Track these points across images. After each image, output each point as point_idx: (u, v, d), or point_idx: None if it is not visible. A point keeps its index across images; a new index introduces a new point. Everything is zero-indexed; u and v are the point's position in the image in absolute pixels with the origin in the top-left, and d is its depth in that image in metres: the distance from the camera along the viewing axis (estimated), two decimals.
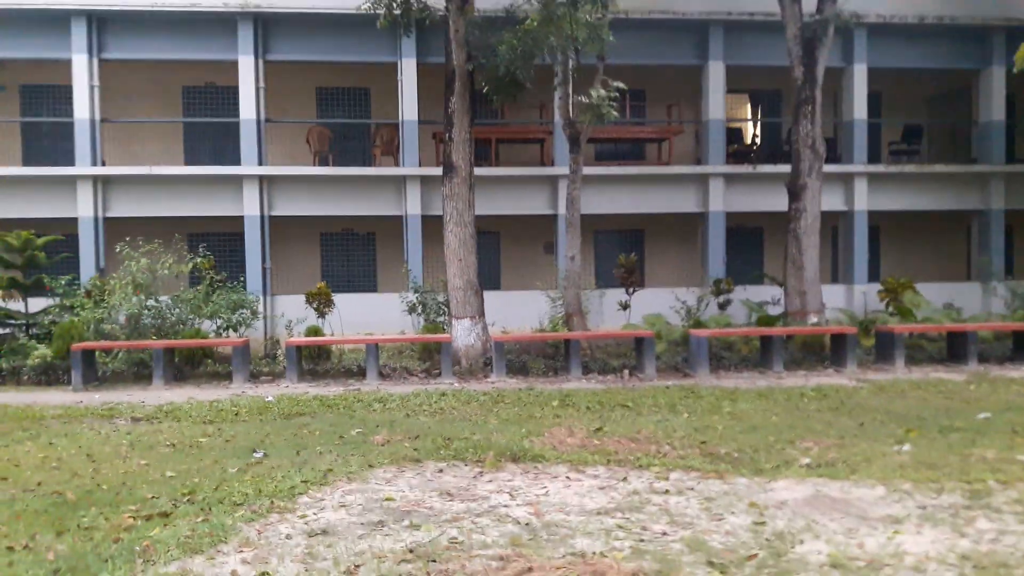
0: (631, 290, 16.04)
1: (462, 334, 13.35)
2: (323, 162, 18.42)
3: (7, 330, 14.37)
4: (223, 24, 16.95)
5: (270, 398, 11.06)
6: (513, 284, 19.17)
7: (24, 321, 14.33)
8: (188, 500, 6.38)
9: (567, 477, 6.80)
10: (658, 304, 16.50)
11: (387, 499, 6.21)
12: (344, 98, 19.22)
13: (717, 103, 18.28)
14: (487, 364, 13.03)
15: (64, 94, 17.59)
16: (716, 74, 18.16)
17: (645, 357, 12.69)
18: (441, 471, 7.14)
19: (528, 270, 19.17)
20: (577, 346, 12.87)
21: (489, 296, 14.40)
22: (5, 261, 14.34)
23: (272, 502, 6.22)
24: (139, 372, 13.13)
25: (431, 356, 13.57)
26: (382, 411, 10.06)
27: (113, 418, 10.00)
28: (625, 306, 15.83)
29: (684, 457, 7.41)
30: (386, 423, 9.22)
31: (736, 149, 20.23)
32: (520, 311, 16.34)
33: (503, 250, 19.69)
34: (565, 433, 8.44)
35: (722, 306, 17.09)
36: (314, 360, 13.63)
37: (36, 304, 14.69)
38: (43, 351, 13.07)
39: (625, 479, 6.68)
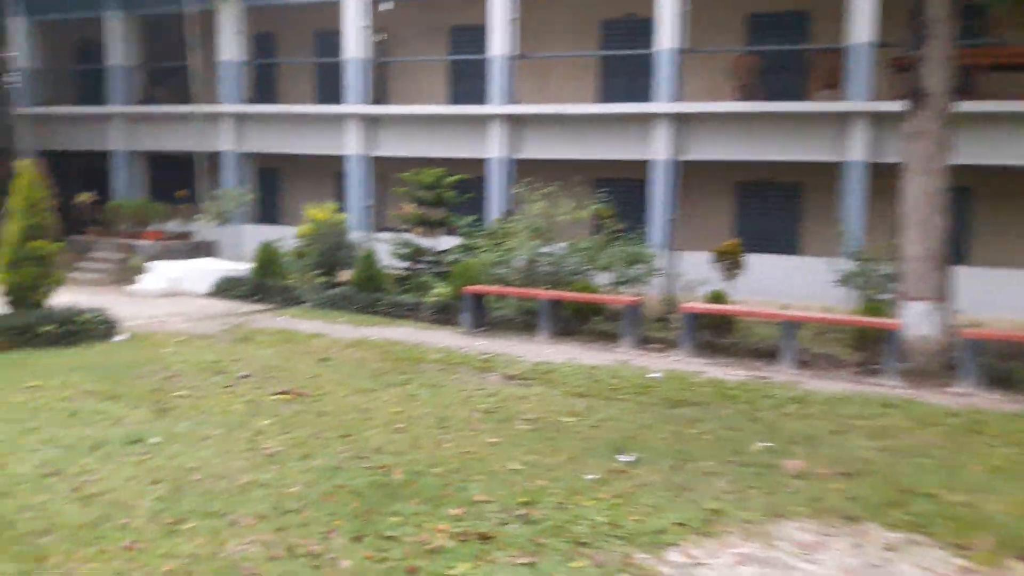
0: None
1: (916, 320, 9.91)
2: (748, 97, 15.76)
3: (418, 265, 14.63)
4: None
5: (656, 374, 9.12)
6: (990, 259, 14.59)
7: (432, 258, 14.44)
8: (522, 517, 4.68)
9: None
10: None
11: None
12: (778, 23, 16.23)
13: None
14: (950, 366, 9.49)
15: (481, 37, 17.55)
16: None
17: None
18: (893, 550, 4.45)
19: (1014, 242, 14.42)
20: None
21: (956, 273, 10.63)
22: (418, 198, 14.53)
23: (627, 554, 4.21)
24: (526, 321, 12.23)
25: (867, 345, 10.40)
26: (798, 417, 7.45)
27: (487, 372, 8.97)
28: None
29: None
30: (804, 439, 6.64)
31: None
32: (1000, 296, 12.10)
33: (976, 213, 15.10)
34: None
35: None
36: (714, 331, 11.39)
37: (444, 243, 14.73)
38: (441, 289, 12.86)
39: None
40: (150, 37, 21.29)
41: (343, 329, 11.47)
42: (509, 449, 6.01)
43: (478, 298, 12.01)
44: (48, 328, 8.57)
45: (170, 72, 20.98)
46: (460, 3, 18.27)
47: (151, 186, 20.69)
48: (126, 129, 20.28)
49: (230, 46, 18.82)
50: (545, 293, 11.76)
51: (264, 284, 13.74)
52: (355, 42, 17.57)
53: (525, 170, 15.61)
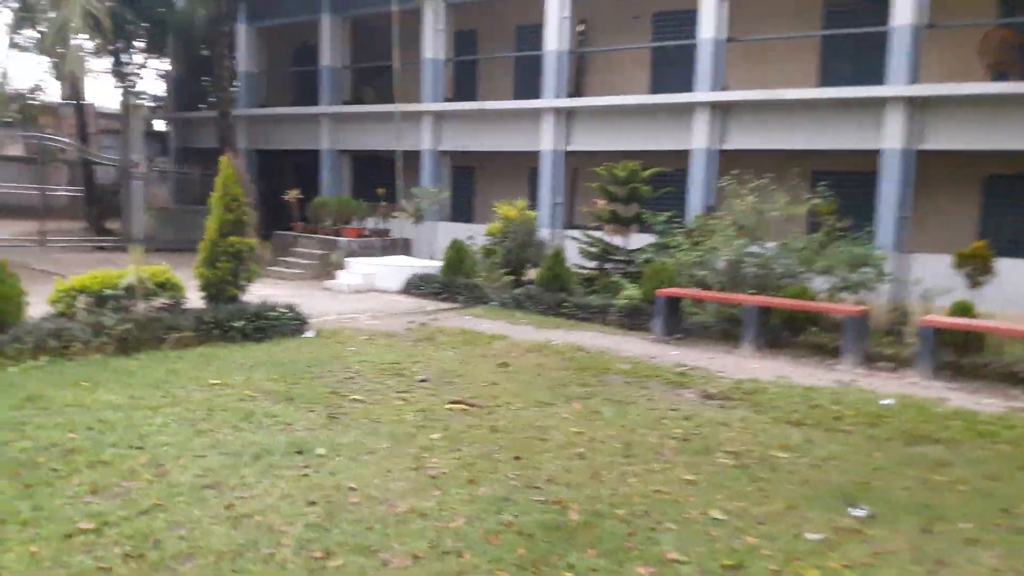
0: None
1: None
2: (999, 77, 13.43)
3: (607, 265, 13.79)
4: None
5: (888, 401, 7.67)
6: None
7: (623, 258, 13.54)
8: None
9: None
10: None
11: None
12: None
13: None
14: None
15: (691, 19, 16.34)
16: None
17: None
18: None
19: None
20: None
21: None
22: (610, 193, 13.68)
23: None
24: (728, 330, 11.02)
25: None
26: None
27: (681, 387, 7.97)
28: None
29: None
30: None
31: None
32: None
33: None
34: None
35: None
36: (959, 350, 9.57)
37: (636, 241, 13.78)
38: (631, 292, 11.94)
39: None
40: (360, 38, 22.05)
41: (526, 331, 10.88)
42: (709, 491, 5.03)
43: (673, 302, 10.98)
44: (240, 324, 8.65)
45: (377, 72, 21.62)
46: None
47: (354, 184, 21.44)
48: (333, 128, 21.10)
49: (432, 44, 18.97)
50: (751, 299, 10.51)
51: (452, 282, 13.51)
52: (555, 34, 17.02)
53: (731, 162, 14.26)
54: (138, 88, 30.67)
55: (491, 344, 9.71)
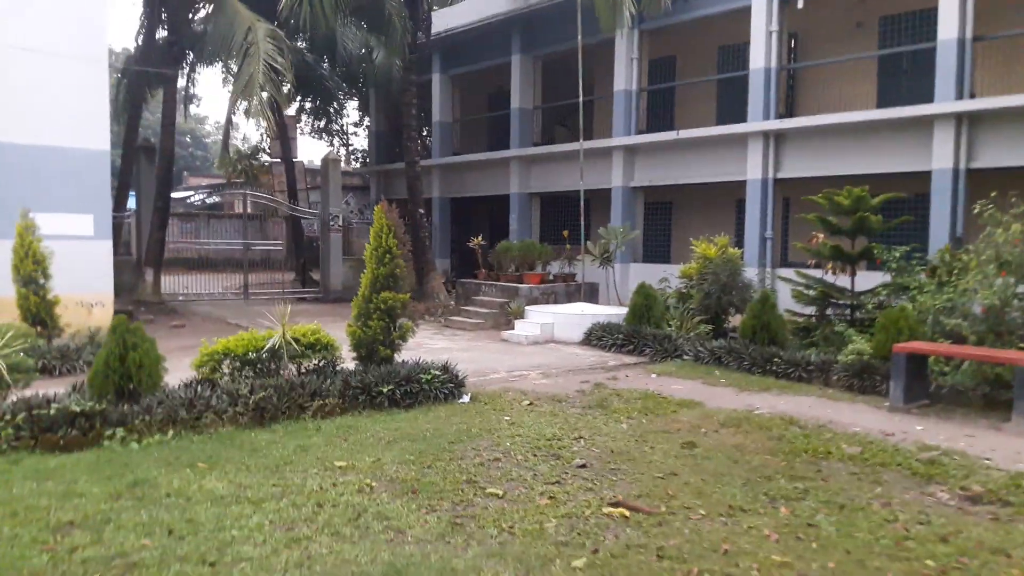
0: None
1: None
2: None
3: (828, 311, 11.60)
4: None
5: None
6: None
7: (848, 302, 11.31)
8: None
9: None
10: None
11: None
12: None
13: None
14: None
15: (927, 22, 13.84)
16: None
17: None
18: None
19: None
20: None
21: None
22: (831, 225, 11.53)
23: None
24: (991, 396, 8.56)
25: None
26: None
27: (930, 483, 5.93)
28: None
29: None
30: None
31: None
32: None
33: None
34: None
35: None
36: None
37: (865, 281, 11.50)
38: (860, 345, 9.76)
39: None
40: (552, 78, 21.37)
41: (723, 395, 9.11)
42: None
43: (915, 360, 8.70)
44: (387, 389, 7.73)
45: (571, 111, 20.78)
46: None
47: (543, 226, 20.59)
48: (522, 171, 20.45)
49: (624, 74, 17.79)
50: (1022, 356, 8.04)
51: (638, 332, 11.99)
52: (762, 50, 15.19)
53: (983, 183, 11.59)
54: (347, 142, 32.37)
55: (677, 414, 8.08)
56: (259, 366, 7.69)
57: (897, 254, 11.09)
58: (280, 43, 13.27)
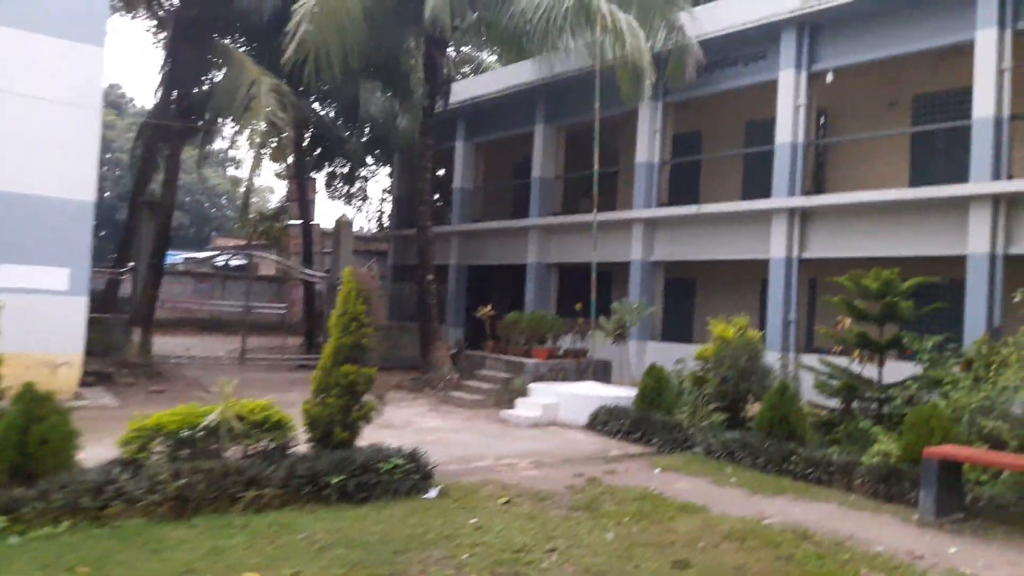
0: None
1: None
2: None
3: (854, 403, 10.52)
4: None
5: None
6: None
7: (875, 395, 10.23)
8: None
9: None
10: None
11: None
12: None
13: None
14: None
15: (959, 100, 13.09)
16: None
17: None
18: None
19: None
20: None
21: None
22: (858, 310, 10.56)
23: None
24: None
25: None
26: None
27: None
28: None
29: None
30: None
31: None
32: None
33: None
34: None
35: None
36: None
37: (894, 372, 10.43)
38: (886, 445, 8.68)
39: None
40: (578, 149, 20.87)
41: (732, 498, 8.07)
42: None
43: (949, 466, 7.61)
44: (338, 479, 6.83)
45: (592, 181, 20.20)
46: (930, 61, 14.17)
47: (560, 299, 19.77)
48: (541, 241, 19.82)
49: (647, 146, 17.22)
50: None
51: (646, 418, 10.98)
52: (788, 124, 14.52)
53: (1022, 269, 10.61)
54: (380, 208, 32.26)
55: (675, 521, 7.05)
56: (199, 446, 6.87)
57: (929, 344, 10.04)
58: (286, 98, 12.92)
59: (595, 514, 7.15)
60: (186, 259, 35.04)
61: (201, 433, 6.79)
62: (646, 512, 7.26)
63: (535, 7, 14.38)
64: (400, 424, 11.42)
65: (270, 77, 13.20)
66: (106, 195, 41.27)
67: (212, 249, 40.38)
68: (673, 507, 7.50)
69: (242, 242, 34.80)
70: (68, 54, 12.26)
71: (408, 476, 7.24)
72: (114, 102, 48.60)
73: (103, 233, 36.78)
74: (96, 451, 6.94)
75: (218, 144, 35.13)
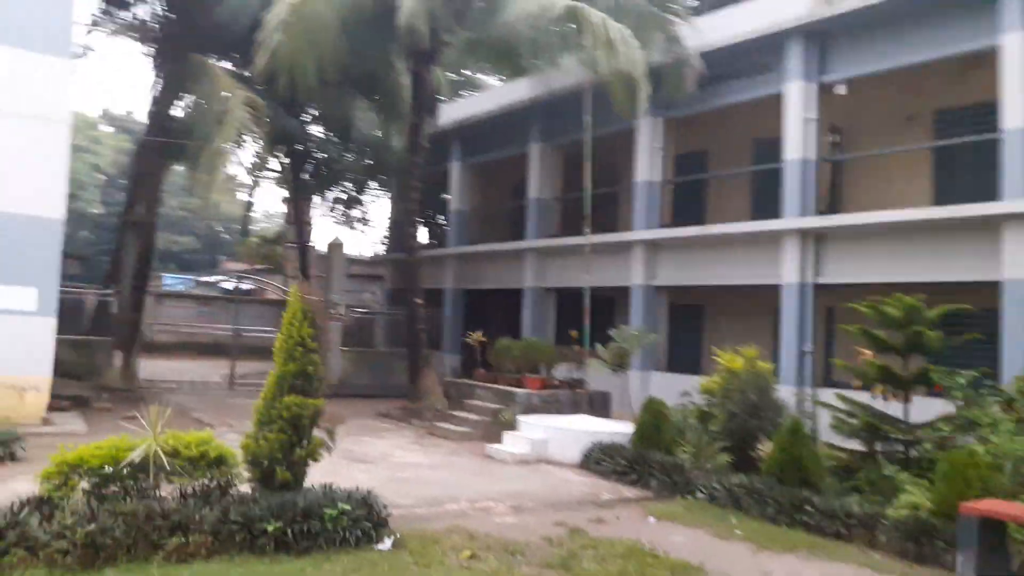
0: None
1: None
2: None
3: (877, 445, 9.41)
4: None
5: None
6: None
7: (900, 436, 9.12)
8: None
9: None
10: None
11: None
12: None
13: None
14: None
15: (985, 112, 12.12)
16: None
17: None
18: None
19: None
20: None
21: None
22: (880, 340, 9.50)
23: None
24: None
25: None
26: None
27: None
28: None
29: None
30: None
31: None
32: None
33: None
34: None
35: None
36: None
37: (921, 410, 9.33)
38: (915, 497, 7.58)
39: None
40: (574, 168, 19.99)
41: (734, 555, 6.99)
42: None
43: (991, 524, 6.49)
44: (274, 527, 5.84)
45: (599, 201, 19.29)
46: (950, 72, 13.24)
47: (559, 324, 18.74)
48: (537, 264, 18.86)
49: (647, 165, 16.27)
50: None
51: (644, 457, 9.93)
52: (798, 138, 13.57)
53: None
54: (369, 229, 31.42)
55: None
56: (127, 484, 5.93)
57: (962, 380, 8.93)
58: (260, 113, 12.16)
59: (569, 574, 6.10)
60: (197, 282, 34.45)
61: (126, 470, 5.83)
62: (630, 573, 6.19)
63: (523, 17, 13.56)
64: (375, 458, 10.44)
65: (244, 90, 12.45)
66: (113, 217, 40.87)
67: (220, 273, 39.78)
68: (664, 566, 6.44)
69: (253, 267, 34.22)
70: (32, 66, 11.61)
71: (358, 523, 6.22)
72: (124, 124, 48.41)
73: (105, 255, 36.25)
74: (22, 486, 6.03)
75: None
